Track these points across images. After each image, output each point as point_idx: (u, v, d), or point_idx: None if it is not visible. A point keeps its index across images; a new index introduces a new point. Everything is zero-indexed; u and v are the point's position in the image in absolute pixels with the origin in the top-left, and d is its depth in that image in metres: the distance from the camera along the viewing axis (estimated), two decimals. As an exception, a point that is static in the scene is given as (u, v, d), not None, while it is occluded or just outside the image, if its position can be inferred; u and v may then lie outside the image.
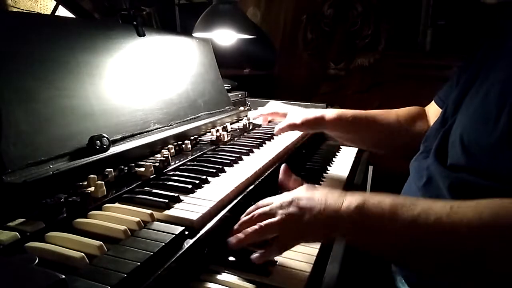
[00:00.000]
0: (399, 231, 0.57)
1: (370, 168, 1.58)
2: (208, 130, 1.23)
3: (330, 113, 1.04)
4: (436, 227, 0.54)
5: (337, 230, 0.63)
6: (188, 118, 1.20)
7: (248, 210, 0.74)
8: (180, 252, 0.58)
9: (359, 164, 1.38)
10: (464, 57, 0.87)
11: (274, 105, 1.26)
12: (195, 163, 0.94)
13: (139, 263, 0.50)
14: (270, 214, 0.68)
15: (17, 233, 0.54)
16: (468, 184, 0.63)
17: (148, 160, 0.91)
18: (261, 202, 0.73)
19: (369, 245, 0.62)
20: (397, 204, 0.58)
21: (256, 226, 0.67)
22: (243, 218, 0.72)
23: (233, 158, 0.95)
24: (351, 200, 0.62)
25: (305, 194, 0.67)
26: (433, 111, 0.99)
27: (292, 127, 1.07)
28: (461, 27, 2.17)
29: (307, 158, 1.33)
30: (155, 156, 0.94)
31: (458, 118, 0.73)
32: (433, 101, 0.99)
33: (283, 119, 1.15)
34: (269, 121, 1.36)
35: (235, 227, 0.71)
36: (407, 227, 0.56)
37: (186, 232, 0.62)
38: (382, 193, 0.61)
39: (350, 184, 1.18)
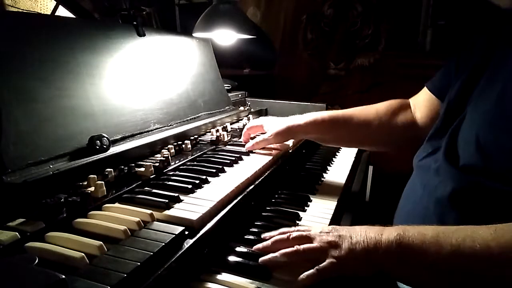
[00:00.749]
0: (444, 259, 0.55)
1: (370, 168, 1.58)
2: (208, 130, 1.23)
3: (304, 119, 1.02)
4: (484, 252, 0.52)
5: (377, 263, 0.60)
6: (188, 118, 1.20)
7: (282, 230, 0.71)
8: (180, 252, 0.58)
9: (359, 164, 1.38)
10: (464, 48, 0.85)
11: (252, 121, 1.19)
12: (195, 163, 0.94)
13: (139, 263, 0.50)
14: (308, 238, 0.66)
15: (17, 233, 0.54)
16: (484, 188, 0.62)
17: (148, 160, 0.91)
18: (297, 227, 0.72)
19: (412, 276, 0.60)
20: (438, 232, 0.56)
21: (294, 248, 0.64)
22: (277, 236, 0.69)
23: (233, 158, 0.95)
24: (390, 231, 0.60)
25: (345, 227, 0.66)
26: (425, 99, 0.97)
27: (265, 142, 1.04)
28: (461, 27, 2.17)
29: (307, 158, 1.33)
30: (155, 156, 0.94)
31: (470, 116, 0.71)
32: (424, 89, 0.97)
33: (261, 131, 1.12)
34: (252, 138, 1.18)
35: (267, 243, 0.69)
36: (452, 255, 0.54)
37: (186, 232, 0.62)
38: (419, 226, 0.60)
39: (350, 184, 1.18)
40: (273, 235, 0.70)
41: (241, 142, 1.13)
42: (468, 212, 0.65)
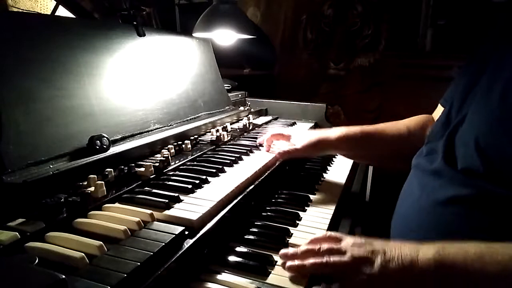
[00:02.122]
0: (489, 279, 0.51)
1: (370, 168, 1.58)
2: (208, 130, 1.23)
3: (335, 133, 1.00)
4: None
5: (412, 283, 0.56)
6: (188, 118, 1.20)
7: (314, 238, 0.69)
8: (180, 252, 0.58)
9: (359, 164, 1.38)
10: (467, 55, 0.84)
11: (279, 128, 1.20)
12: (195, 163, 0.94)
13: (139, 263, 0.50)
14: (340, 251, 0.62)
15: (17, 233, 0.54)
16: (486, 192, 0.60)
17: (148, 160, 0.91)
18: (330, 233, 0.69)
19: None
20: (481, 249, 0.52)
21: (323, 259, 0.62)
22: (308, 245, 0.67)
23: (233, 158, 0.95)
24: (428, 248, 0.56)
25: (380, 241, 0.62)
26: (439, 115, 0.95)
27: (293, 152, 1.02)
28: (461, 26, 2.17)
29: (306, 158, 1.32)
30: (155, 156, 0.94)
31: (470, 118, 0.69)
32: (439, 105, 0.96)
33: (286, 141, 1.11)
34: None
35: (295, 251, 0.66)
36: (500, 274, 0.50)
37: (186, 232, 0.62)
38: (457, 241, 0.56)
39: (350, 184, 1.18)
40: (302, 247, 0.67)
41: (241, 142, 1.13)
42: (468, 216, 0.64)
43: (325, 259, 0.62)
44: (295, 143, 1.04)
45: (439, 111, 0.97)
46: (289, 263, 0.65)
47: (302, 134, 1.06)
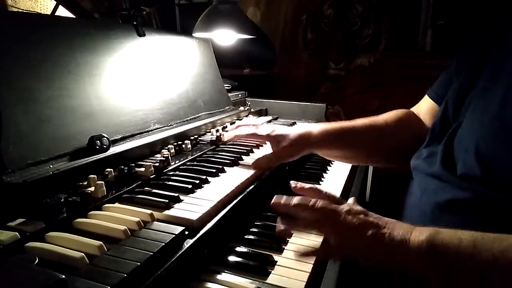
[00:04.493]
0: (482, 267, 0.50)
1: (370, 168, 1.58)
2: (208, 130, 1.23)
3: (316, 127, 0.95)
4: None
5: (401, 262, 0.56)
6: (188, 118, 1.20)
7: (315, 187, 0.68)
8: (180, 252, 0.58)
9: (359, 164, 1.38)
10: (464, 47, 0.83)
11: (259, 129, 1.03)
12: (195, 163, 0.94)
13: (139, 263, 0.50)
14: (334, 212, 0.61)
15: (17, 233, 0.54)
16: (486, 198, 0.60)
17: (148, 160, 0.91)
18: (330, 193, 0.67)
19: (441, 282, 0.53)
20: (476, 237, 0.52)
21: (312, 203, 0.61)
22: (302, 200, 0.64)
23: (233, 158, 0.95)
24: (421, 230, 0.56)
25: (375, 214, 0.62)
26: (428, 107, 0.94)
27: (274, 160, 0.94)
28: (461, 26, 2.17)
29: (306, 158, 1.32)
30: (155, 156, 0.94)
31: (469, 122, 0.68)
32: (426, 97, 0.94)
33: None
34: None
35: (289, 201, 0.64)
36: (493, 263, 0.49)
37: (186, 232, 0.62)
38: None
39: (350, 184, 1.18)
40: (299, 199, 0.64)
41: (241, 142, 1.13)
42: (468, 219, 0.64)
43: (313, 201, 0.61)
44: (277, 144, 0.94)
45: (426, 102, 0.95)
46: (279, 224, 0.64)
47: (283, 134, 0.94)
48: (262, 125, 1.04)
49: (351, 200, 0.68)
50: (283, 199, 0.65)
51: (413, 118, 0.98)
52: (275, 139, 0.95)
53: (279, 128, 0.97)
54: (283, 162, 0.97)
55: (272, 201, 0.66)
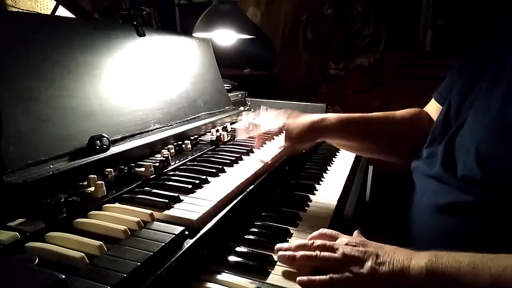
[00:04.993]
0: None
1: (370, 168, 1.58)
2: (208, 130, 1.23)
3: (333, 116, 0.92)
4: None
5: (401, 287, 0.56)
6: (188, 118, 1.20)
7: (311, 235, 0.70)
8: (180, 252, 0.58)
9: (359, 164, 1.38)
10: (465, 52, 0.83)
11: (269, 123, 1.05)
12: (195, 163, 0.94)
13: (139, 263, 0.50)
14: (332, 248, 0.63)
15: (17, 233, 0.54)
16: (487, 201, 0.60)
17: (148, 160, 0.91)
18: (326, 231, 0.69)
19: None
20: (475, 260, 0.52)
21: (314, 253, 0.63)
22: (301, 243, 0.67)
23: (233, 158, 0.95)
24: (421, 256, 0.56)
25: (375, 243, 0.63)
26: (433, 109, 0.94)
27: (289, 148, 0.95)
28: (461, 26, 2.17)
29: (307, 159, 1.32)
30: (155, 156, 0.94)
31: (471, 124, 0.68)
32: (432, 100, 0.95)
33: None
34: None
35: (289, 245, 0.68)
36: (491, 286, 0.49)
37: (186, 232, 0.62)
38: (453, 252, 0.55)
39: (350, 184, 1.18)
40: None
41: (241, 142, 1.13)
42: (467, 222, 0.64)
43: (315, 252, 0.63)
44: (289, 134, 0.93)
45: (433, 105, 0.95)
46: (280, 252, 0.66)
47: (296, 122, 0.93)
48: (270, 116, 1.04)
49: (355, 233, 0.71)
50: (284, 245, 0.68)
51: (425, 116, 0.98)
52: (287, 130, 0.94)
53: (292, 116, 0.97)
54: (298, 150, 1.00)
55: (275, 247, 0.69)
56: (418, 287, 0.54)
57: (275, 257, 0.69)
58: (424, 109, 1.01)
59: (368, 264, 0.58)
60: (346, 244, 0.63)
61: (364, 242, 0.63)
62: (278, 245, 0.69)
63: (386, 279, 0.57)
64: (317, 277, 0.61)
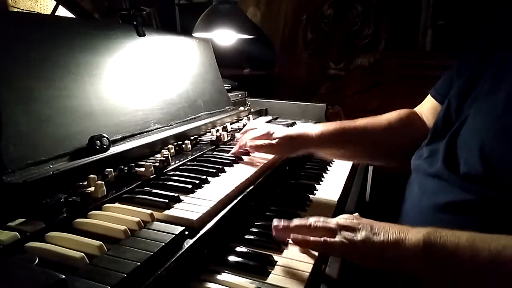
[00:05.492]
0: (480, 266, 0.50)
1: (370, 168, 1.58)
2: (208, 130, 1.23)
3: (315, 129, 0.94)
4: None
5: (396, 260, 0.56)
6: (188, 118, 1.20)
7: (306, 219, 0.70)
8: (180, 252, 0.58)
9: (359, 164, 1.38)
10: (467, 48, 0.83)
11: (257, 130, 1.02)
12: (195, 163, 0.94)
13: (139, 263, 0.50)
14: (332, 230, 0.63)
15: (17, 233, 0.54)
16: (489, 199, 0.59)
17: (148, 160, 0.91)
18: (322, 218, 0.69)
19: (438, 281, 0.53)
20: (474, 237, 0.51)
21: (320, 239, 0.63)
22: (299, 221, 0.68)
23: (233, 158, 0.95)
24: (419, 229, 0.56)
25: (369, 219, 0.63)
26: (430, 107, 0.94)
27: (266, 148, 0.95)
28: (461, 26, 2.17)
29: (307, 158, 1.32)
30: (155, 156, 0.94)
31: (473, 121, 0.68)
32: (428, 96, 0.94)
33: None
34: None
35: (287, 223, 0.69)
36: (491, 262, 0.49)
37: (186, 232, 0.62)
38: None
39: (350, 184, 1.18)
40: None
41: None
42: (468, 221, 0.63)
43: (323, 239, 0.63)
44: (274, 137, 0.95)
45: (428, 102, 0.95)
46: (276, 226, 0.69)
47: (282, 130, 0.96)
48: (260, 126, 1.04)
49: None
50: (282, 223, 0.70)
51: (415, 117, 0.98)
52: (270, 138, 0.96)
53: (277, 128, 0.98)
54: (279, 157, 1.01)
55: (273, 224, 0.71)
56: (414, 260, 0.53)
57: (275, 257, 0.69)
58: (418, 107, 1.01)
59: (363, 233, 0.59)
60: (340, 217, 0.65)
61: (358, 217, 0.65)
62: (276, 222, 0.70)
63: (380, 249, 0.57)
64: (312, 238, 0.62)
